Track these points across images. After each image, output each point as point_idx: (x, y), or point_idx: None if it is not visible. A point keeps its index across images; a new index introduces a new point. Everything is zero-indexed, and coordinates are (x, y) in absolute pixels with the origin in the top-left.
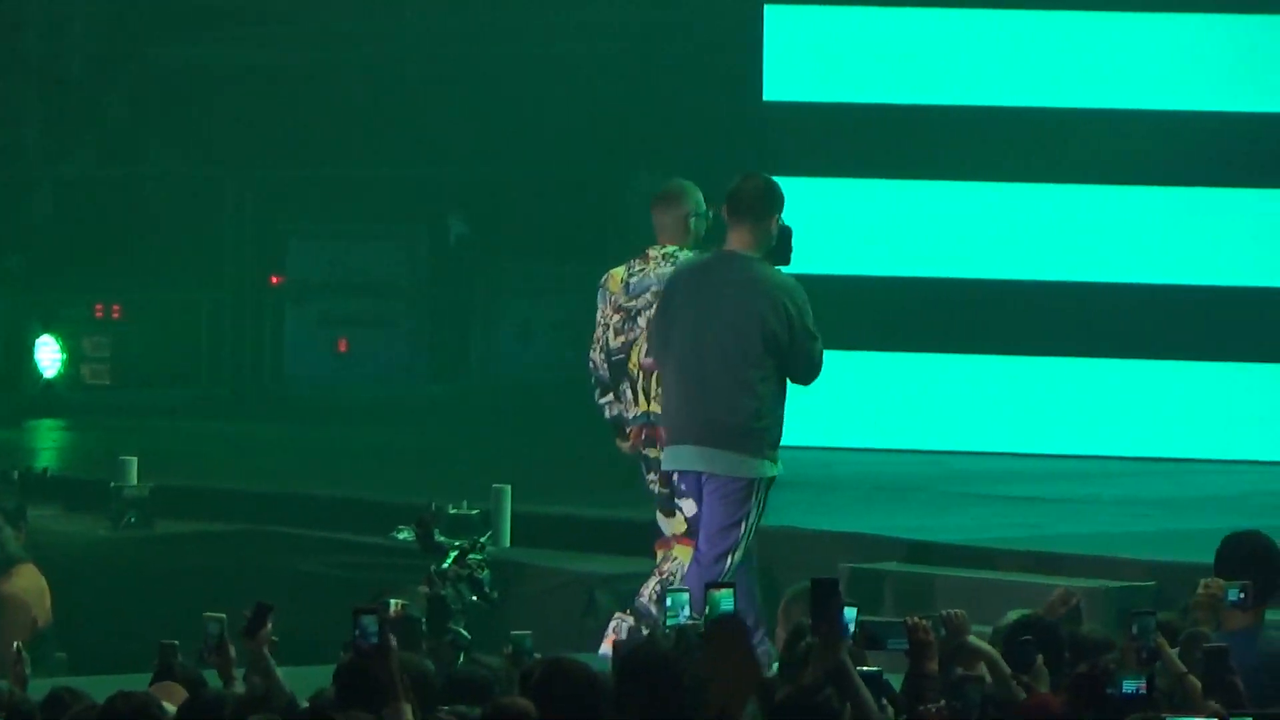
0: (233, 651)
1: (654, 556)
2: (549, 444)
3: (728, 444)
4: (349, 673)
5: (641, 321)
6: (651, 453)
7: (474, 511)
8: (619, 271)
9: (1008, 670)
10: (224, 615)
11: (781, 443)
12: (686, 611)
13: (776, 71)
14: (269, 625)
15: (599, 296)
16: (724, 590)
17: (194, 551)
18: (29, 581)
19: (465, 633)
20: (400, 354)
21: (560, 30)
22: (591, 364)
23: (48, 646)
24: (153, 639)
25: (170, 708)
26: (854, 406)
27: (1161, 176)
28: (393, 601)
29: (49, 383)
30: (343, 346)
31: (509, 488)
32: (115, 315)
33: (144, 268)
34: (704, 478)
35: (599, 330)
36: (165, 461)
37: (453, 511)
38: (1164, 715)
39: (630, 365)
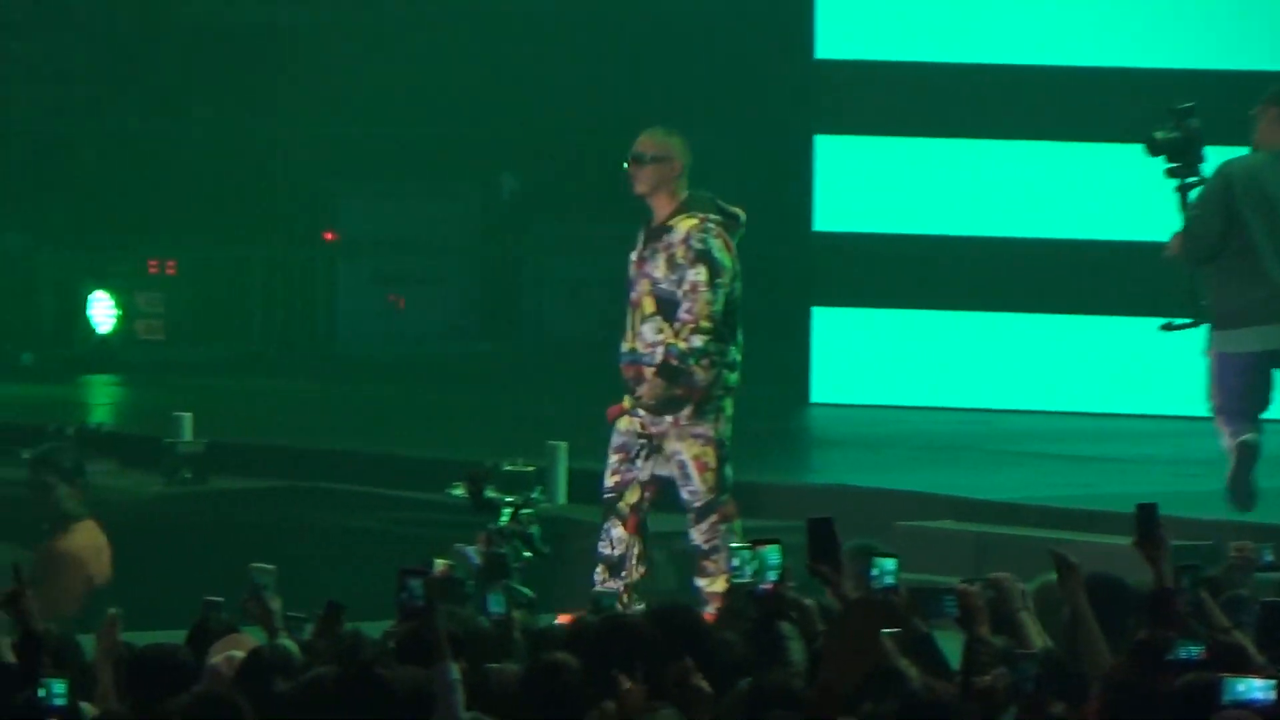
0: (277, 604)
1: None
2: (602, 401)
3: None
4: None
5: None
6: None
7: (529, 468)
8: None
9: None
10: (273, 566)
11: (833, 401)
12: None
13: (828, 29)
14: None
15: (731, 249)
16: (770, 545)
17: (247, 507)
18: (87, 538)
19: (525, 589)
20: (451, 311)
21: None
22: (715, 316)
23: (105, 603)
24: (205, 595)
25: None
26: (906, 365)
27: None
28: (438, 561)
29: (103, 338)
30: (396, 303)
31: (564, 445)
32: (170, 271)
33: (198, 224)
34: None
35: (726, 278)
36: (219, 418)
37: (507, 468)
38: (1220, 675)
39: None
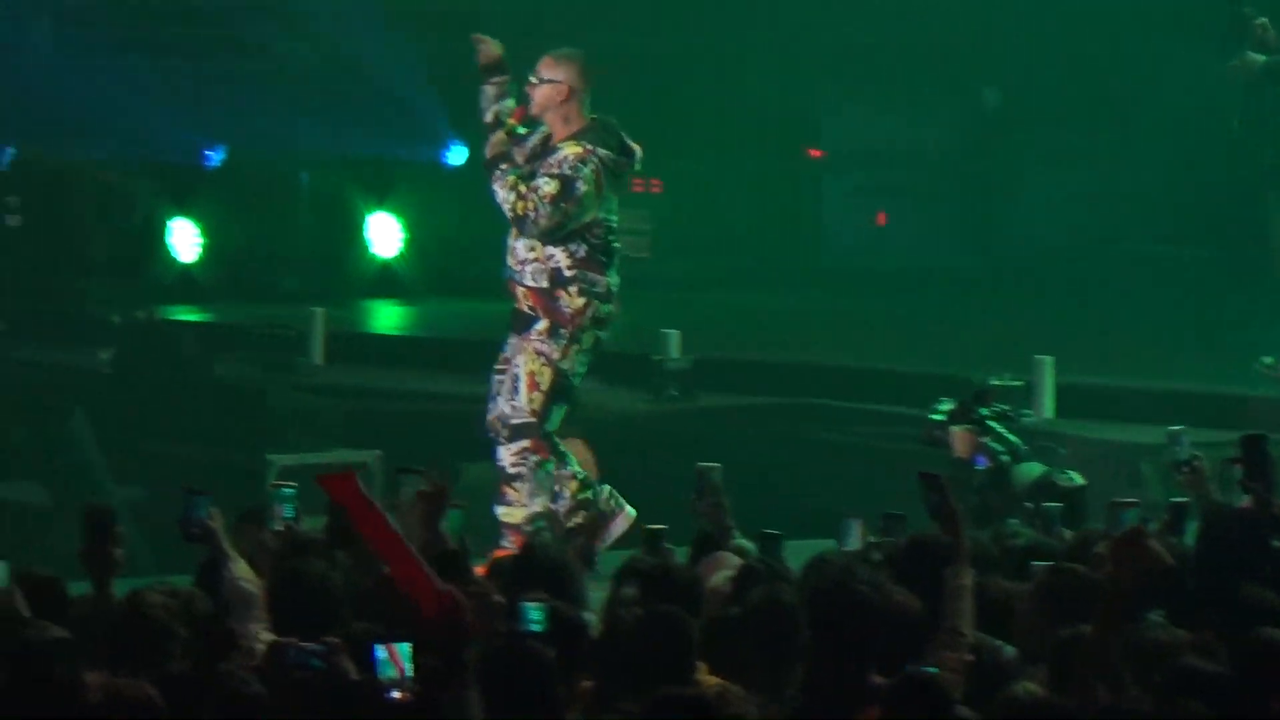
0: (726, 502)
1: None
2: (1085, 316)
3: None
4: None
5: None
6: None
7: (1017, 383)
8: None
9: None
10: (719, 464)
11: None
12: None
13: None
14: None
15: (604, 184)
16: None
17: (733, 423)
18: (576, 454)
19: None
20: (937, 226)
21: None
22: (548, 229)
23: None
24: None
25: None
26: None
27: None
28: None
29: None
30: (880, 219)
31: (1051, 359)
32: (655, 189)
33: (680, 141)
34: None
35: (571, 208)
36: (706, 334)
37: (995, 383)
38: None
39: (613, 239)
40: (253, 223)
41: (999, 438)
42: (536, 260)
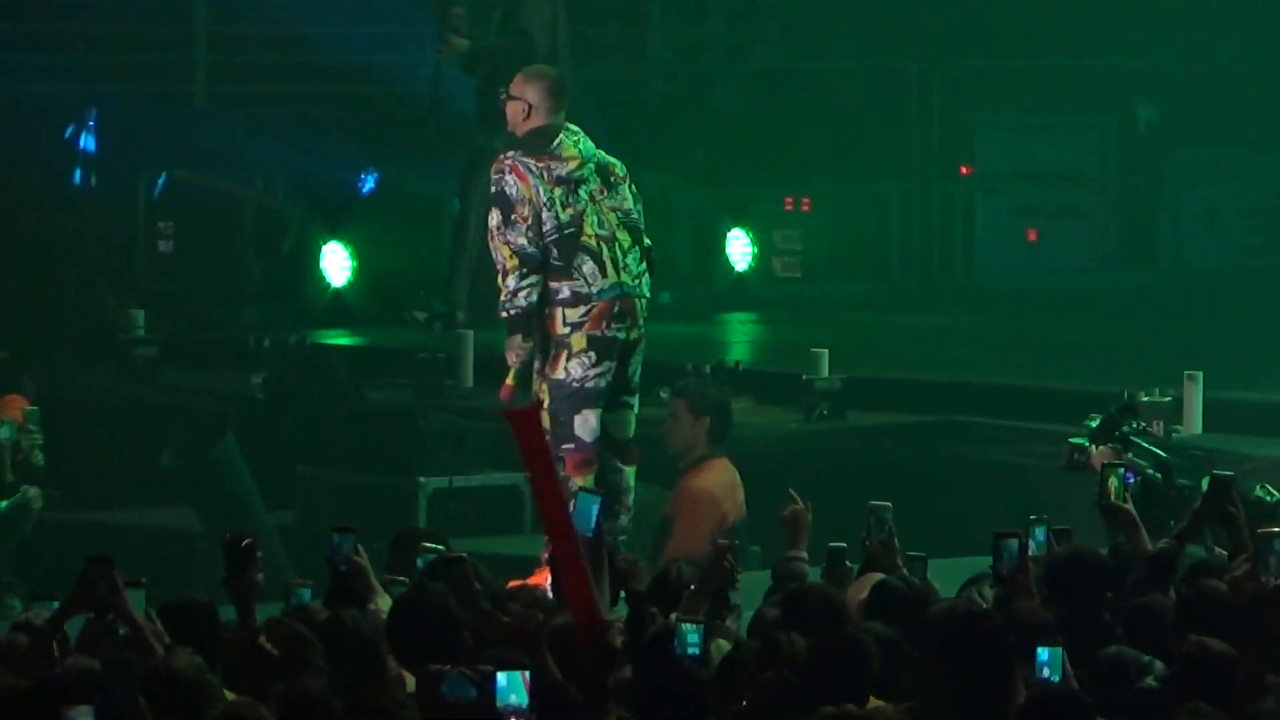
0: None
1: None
2: (1239, 331)
3: None
4: None
5: (584, 192)
6: (616, 329)
7: (1166, 399)
8: (570, 142)
9: None
10: (889, 503)
11: None
12: None
13: None
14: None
15: (528, 175)
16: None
17: (883, 443)
18: (720, 476)
19: None
20: (1090, 244)
21: None
22: (518, 249)
23: (741, 540)
24: (839, 531)
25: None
26: None
27: None
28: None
29: (740, 276)
30: (1032, 237)
31: (1201, 375)
32: (805, 208)
33: (832, 160)
34: None
35: (524, 210)
36: (855, 354)
37: (1145, 399)
38: None
39: (585, 238)
40: (402, 248)
41: (1143, 453)
42: None
